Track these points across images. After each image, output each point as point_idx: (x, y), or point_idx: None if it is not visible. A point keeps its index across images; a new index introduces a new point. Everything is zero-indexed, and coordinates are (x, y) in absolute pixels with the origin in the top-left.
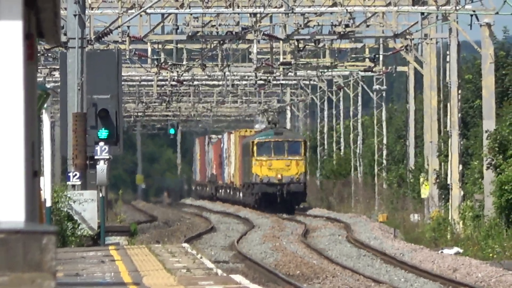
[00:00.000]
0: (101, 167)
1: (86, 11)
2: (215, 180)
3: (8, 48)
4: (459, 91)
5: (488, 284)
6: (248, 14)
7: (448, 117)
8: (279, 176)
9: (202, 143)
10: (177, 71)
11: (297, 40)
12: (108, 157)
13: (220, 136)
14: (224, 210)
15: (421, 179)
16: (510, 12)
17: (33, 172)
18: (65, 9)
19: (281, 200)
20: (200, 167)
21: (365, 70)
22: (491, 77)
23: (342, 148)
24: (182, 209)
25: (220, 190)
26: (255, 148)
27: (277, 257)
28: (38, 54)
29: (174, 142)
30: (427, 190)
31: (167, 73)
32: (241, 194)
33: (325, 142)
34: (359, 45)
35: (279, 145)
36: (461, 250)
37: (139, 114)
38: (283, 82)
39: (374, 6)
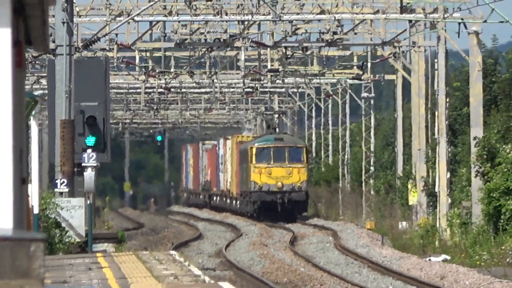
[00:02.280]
0: (89, 174)
1: (74, 19)
2: (209, 187)
3: None
4: (447, 99)
5: None
6: (236, 22)
7: (436, 124)
8: (280, 184)
9: (196, 149)
10: (165, 79)
11: (285, 47)
12: (95, 164)
13: (215, 142)
14: (211, 218)
15: (409, 186)
16: (498, 20)
17: (21, 179)
18: (53, 16)
19: (281, 209)
20: (193, 174)
21: (353, 78)
22: (479, 85)
23: (330, 155)
24: (169, 217)
25: (215, 198)
26: (254, 154)
27: (264, 265)
28: (26, 61)
29: (162, 149)
30: (415, 197)
31: (155, 80)
32: (238, 203)
33: (313, 150)
34: (347, 53)
35: (280, 152)
36: (448, 257)
37: (127, 121)
38: (271, 89)
39: (362, 13)
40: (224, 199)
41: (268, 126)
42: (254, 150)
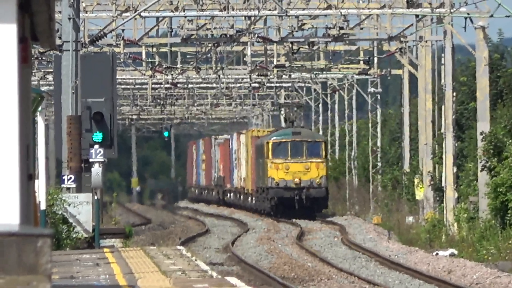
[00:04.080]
0: (96, 170)
1: (81, 15)
2: (222, 183)
3: (3, 51)
4: (454, 94)
5: (483, 285)
6: (243, 17)
7: (443, 119)
8: (297, 180)
9: (208, 143)
10: (172, 74)
11: (292, 42)
12: (102, 160)
13: (228, 136)
14: (218, 213)
15: (416, 181)
16: (505, 15)
17: (28, 175)
18: (60, 12)
19: (299, 206)
20: (205, 170)
21: (359, 73)
22: (486, 80)
23: (337, 151)
24: (176, 212)
25: (229, 195)
26: (270, 149)
27: (272, 260)
28: (32, 58)
29: (168, 145)
30: (422, 192)
31: (162, 76)
32: (253, 199)
33: None
34: (353, 48)
35: (297, 146)
36: (456, 252)
37: (134, 117)
38: (278, 84)
39: (369, 8)
40: (238, 195)
41: (285, 119)
42: (270, 144)
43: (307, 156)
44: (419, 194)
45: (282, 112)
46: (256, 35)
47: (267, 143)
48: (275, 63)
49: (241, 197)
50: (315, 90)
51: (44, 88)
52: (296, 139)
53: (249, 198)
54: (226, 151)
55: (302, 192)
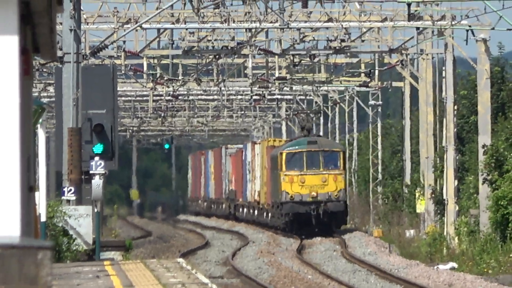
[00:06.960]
0: (96, 182)
1: (82, 26)
2: (234, 197)
3: (4, 63)
4: (455, 107)
5: None
6: (244, 29)
7: (444, 132)
8: (314, 193)
9: (218, 154)
10: (173, 86)
11: (293, 55)
12: (103, 172)
13: (240, 146)
14: (218, 226)
15: (417, 194)
16: (506, 28)
17: (28, 187)
18: (61, 24)
19: (316, 221)
20: (215, 182)
21: (360, 85)
22: (487, 93)
23: None
24: (176, 225)
25: (241, 209)
26: (284, 160)
27: (272, 273)
28: (33, 69)
29: (169, 157)
30: (423, 205)
31: (163, 88)
32: (269, 215)
33: None
34: (354, 60)
35: (313, 157)
36: (456, 265)
37: (135, 129)
38: (279, 97)
39: (370, 21)
40: (252, 210)
41: (302, 127)
42: (284, 155)
43: (324, 167)
44: (420, 207)
45: (301, 120)
46: (258, 48)
47: (281, 153)
48: (276, 75)
49: (255, 212)
50: (316, 102)
51: (45, 100)
52: (312, 149)
53: (264, 214)
54: (239, 162)
55: (319, 207)
